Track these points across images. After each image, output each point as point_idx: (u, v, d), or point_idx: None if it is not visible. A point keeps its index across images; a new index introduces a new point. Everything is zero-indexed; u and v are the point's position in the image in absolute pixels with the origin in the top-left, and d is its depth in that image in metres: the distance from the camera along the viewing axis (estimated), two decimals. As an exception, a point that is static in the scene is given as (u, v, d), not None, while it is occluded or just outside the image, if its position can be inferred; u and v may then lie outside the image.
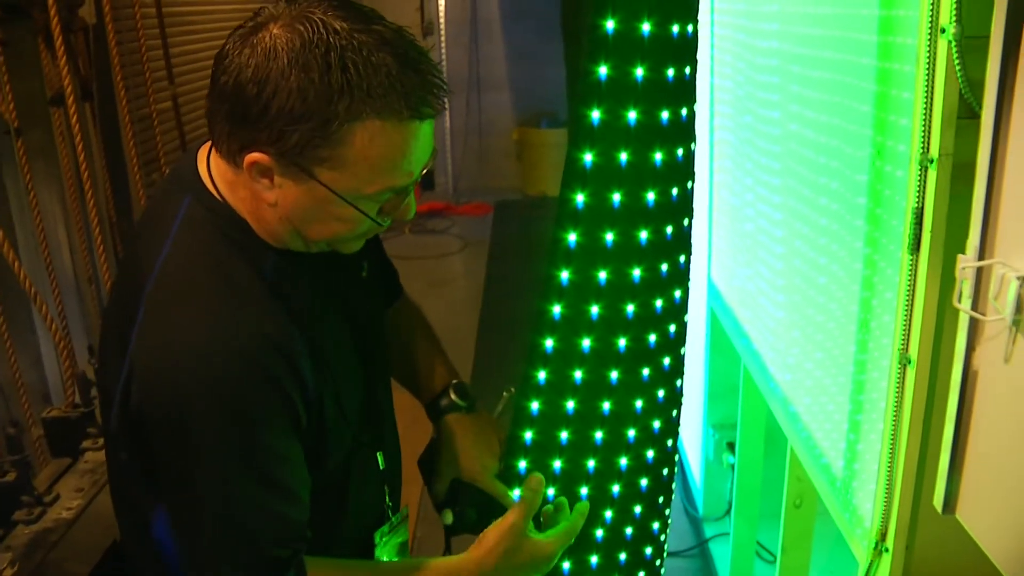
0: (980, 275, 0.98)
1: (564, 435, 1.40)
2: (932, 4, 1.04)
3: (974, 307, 0.99)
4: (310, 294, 1.22)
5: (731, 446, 2.78)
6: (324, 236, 1.18)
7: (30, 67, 3.20)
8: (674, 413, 1.48)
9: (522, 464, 1.43)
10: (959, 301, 1.01)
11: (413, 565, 1.34)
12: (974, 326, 1.01)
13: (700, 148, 2.61)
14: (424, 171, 1.16)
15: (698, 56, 1.27)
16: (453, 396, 1.52)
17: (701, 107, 2.58)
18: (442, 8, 7.72)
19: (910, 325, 1.19)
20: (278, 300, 1.17)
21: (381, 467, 1.38)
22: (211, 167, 1.19)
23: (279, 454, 1.15)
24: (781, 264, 1.90)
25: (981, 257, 0.98)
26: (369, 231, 1.19)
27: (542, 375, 1.36)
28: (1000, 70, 0.92)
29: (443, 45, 7.78)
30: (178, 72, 4.08)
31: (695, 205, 1.38)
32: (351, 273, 1.35)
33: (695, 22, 1.23)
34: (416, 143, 1.10)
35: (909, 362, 1.21)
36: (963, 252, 1.00)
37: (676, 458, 1.56)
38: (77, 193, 3.26)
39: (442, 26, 7.75)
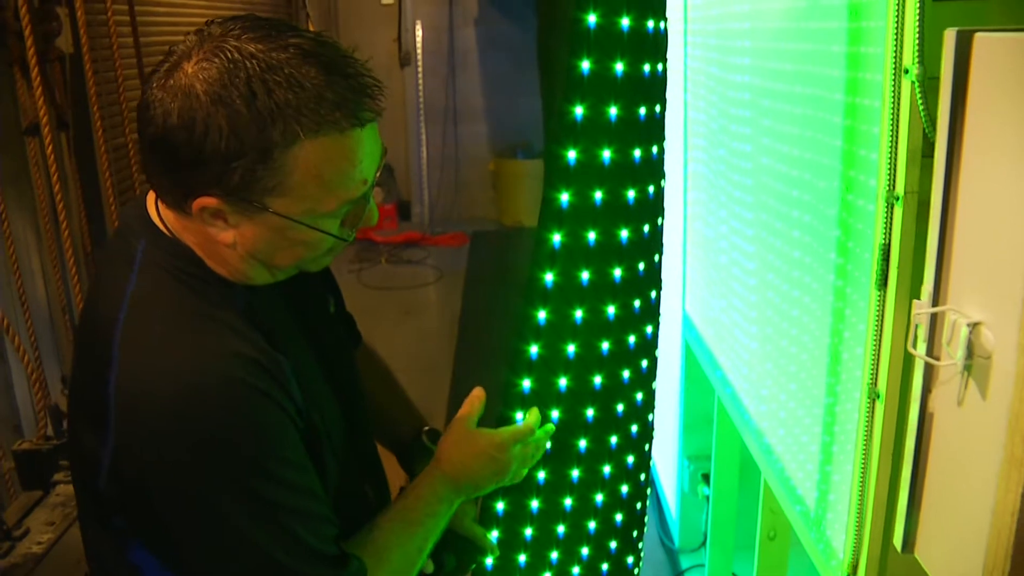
0: (934, 321, 1.00)
1: (541, 475, 1.40)
2: (896, 45, 1.06)
3: (929, 351, 1.01)
4: (281, 326, 1.19)
5: (706, 477, 2.78)
6: (291, 262, 1.14)
7: (4, 95, 3.19)
8: (647, 447, 1.48)
9: (499, 505, 1.43)
10: (914, 346, 1.03)
11: (401, 515, 1.32)
12: (929, 370, 1.03)
13: (674, 180, 2.63)
14: (378, 173, 1.12)
15: (672, 90, 1.29)
16: (426, 442, 1.51)
17: (675, 140, 2.61)
18: (419, 40, 7.76)
19: (878, 360, 1.21)
20: (253, 327, 1.13)
21: (371, 500, 1.37)
22: (160, 213, 1.15)
23: (293, 462, 1.12)
24: (754, 296, 1.91)
25: (935, 303, 1.00)
26: (336, 246, 1.15)
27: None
28: (949, 121, 0.94)
29: (420, 76, 7.81)
30: (154, 102, 4.06)
31: (669, 237, 1.40)
32: (319, 309, 1.34)
33: (664, 60, 1.25)
34: (362, 150, 1.06)
35: (878, 396, 1.22)
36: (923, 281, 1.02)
37: (649, 491, 1.57)
38: (52, 222, 3.25)
39: (419, 57, 7.79)
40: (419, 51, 7.78)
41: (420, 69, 7.80)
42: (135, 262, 1.13)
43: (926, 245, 1.05)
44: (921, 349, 1.02)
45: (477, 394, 1.40)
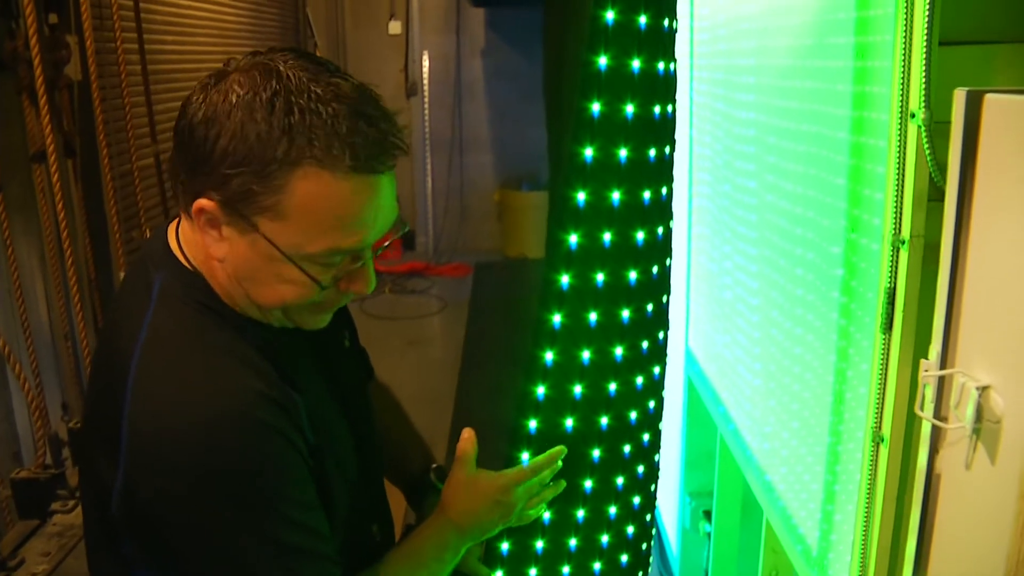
0: (942, 383, 0.99)
1: (547, 515, 1.40)
2: (902, 89, 1.06)
3: (936, 412, 1.01)
4: (297, 362, 1.19)
5: (708, 514, 2.76)
6: (273, 301, 1.11)
7: (12, 123, 3.21)
8: (652, 488, 1.48)
9: (504, 545, 1.42)
10: (921, 408, 1.02)
11: (407, 555, 1.32)
12: (936, 432, 1.02)
13: (679, 215, 2.63)
14: (386, 242, 1.11)
15: (677, 125, 1.30)
16: (434, 480, 1.50)
17: (680, 175, 2.61)
18: (426, 70, 7.81)
19: (883, 404, 1.20)
20: (266, 361, 1.12)
21: (377, 539, 1.36)
22: (180, 236, 1.16)
23: (303, 501, 1.12)
24: (758, 332, 1.91)
25: (943, 365, 0.99)
26: (324, 302, 1.14)
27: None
28: (959, 181, 0.94)
29: (426, 106, 7.85)
30: (161, 129, 4.10)
31: (672, 271, 1.39)
32: (334, 344, 1.33)
33: (674, 102, 1.25)
34: (362, 201, 1.04)
35: (882, 440, 1.21)
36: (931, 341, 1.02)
37: (654, 531, 1.56)
38: (56, 248, 3.26)
39: (426, 87, 7.83)
40: (426, 81, 7.83)
41: (426, 99, 7.84)
42: (153, 293, 1.13)
43: (932, 289, 1.05)
44: (928, 411, 1.01)
45: (467, 436, 1.38)
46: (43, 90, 3.03)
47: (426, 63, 7.80)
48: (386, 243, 1.13)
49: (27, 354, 3.12)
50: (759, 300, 1.89)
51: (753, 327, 1.95)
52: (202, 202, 1.05)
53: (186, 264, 1.14)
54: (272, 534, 1.08)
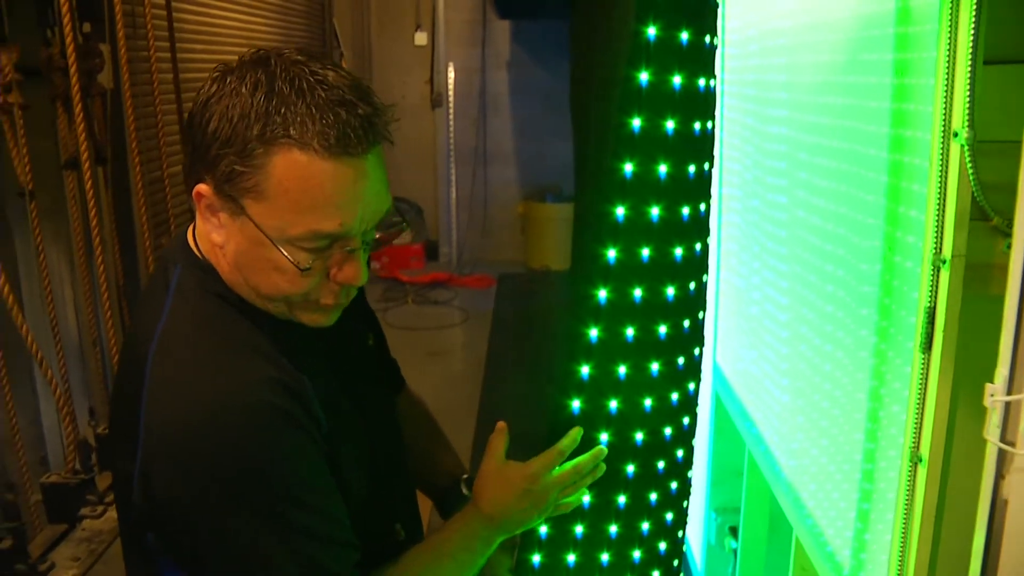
0: (1009, 407, 0.98)
1: (579, 528, 1.39)
2: (945, 108, 1.06)
3: (1003, 437, 0.99)
4: (311, 353, 1.19)
5: (733, 530, 2.74)
6: (270, 290, 1.12)
7: (45, 130, 3.24)
8: (685, 504, 1.47)
9: (536, 558, 1.42)
10: (987, 432, 1.01)
11: (434, 546, 1.31)
12: (1003, 456, 1.01)
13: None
14: (374, 233, 1.12)
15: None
16: (464, 490, 1.50)
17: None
18: (451, 81, 7.84)
19: (921, 424, 1.19)
20: (280, 351, 1.14)
21: (401, 537, 1.35)
22: (195, 230, 1.18)
23: (317, 487, 1.13)
24: (786, 348, 1.90)
25: (1010, 391, 0.98)
26: (321, 297, 1.14)
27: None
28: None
29: (451, 118, 7.88)
30: (191, 137, 4.12)
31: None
32: (355, 342, 1.34)
33: (713, 118, 1.25)
34: (340, 184, 1.05)
35: (920, 461, 1.20)
36: (977, 356, 1.01)
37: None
38: (86, 254, 3.28)
39: (451, 99, 7.86)
40: (451, 93, 7.85)
41: (451, 111, 7.87)
42: (171, 285, 1.16)
43: (972, 309, 1.04)
44: (995, 435, 1.00)
45: (500, 427, 1.38)
46: (78, 98, 3.06)
47: (451, 75, 7.83)
48: (379, 237, 1.14)
49: (56, 360, 3.15)
50: (788, 316, 1.88)
51: (781, 343, 1.94)
52: (200, 187, 1.08)
53: (199, 256, 1.17)
54: (287, 519, 1.09)
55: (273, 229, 1.06)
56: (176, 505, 1.07)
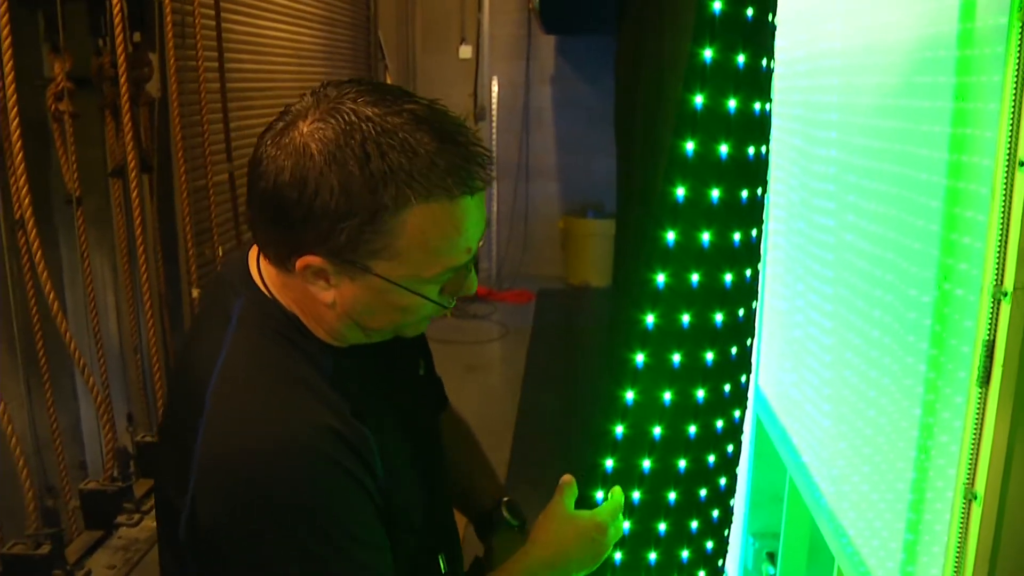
0: None
1: (618, 555, 1.37)
2: (1011, 136, 1.03)
3: None
4: (369, 392, 1.19)
5: (771, 556, 2.70)
6: (387, 325, 1.15)
7: (93, 138, 3.29)
8: (726, 533, 1.45)
9: None
10: None
11: None
12: None
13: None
14: (481, 243, 1.12)
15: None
16: (505, 514, 1.48)
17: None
18: (495, 96, 7.85)
19: (976, 460, 1.16)
20: (340, 395, 1.12)
21: (443, 570, 1.33)
22: (261, 269, 1.16)
23: (366, 540, 1.11)
24: (829, 373, 1.87)
25: None
26: (434, 312, 1.15)
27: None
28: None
29: (494, 132, 7.89)
30: (236, 147, 4.17)
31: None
32: (408, 372, 1.33)
33: (767, 143, 1.23)
34: (469, 218, 1.06)
35: (975, 498, 1.17)
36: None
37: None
38: (129, 262, 3.31)
39: (494, 113, 7.87)
40: (494, 107, 7.87)
41: (494, 124, 7.88)
42: (232, 319, 1.14)
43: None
44: None
45: (567, 480, 1.36)
46: (126, 107, 3.09)
47: (495, 89, 7.85)
48: (480, 243, 1.13)
49: (98, 367, 3.18)
50: (832, 340, 1.85)
51: (825, 367, 1.91)
52: (307, 259, 1.05)
53: (265, 292, 1.15)
54: (330, 567, 1.07)
55: (406, 278, 1.07)
56: (220, 542, 1.06)
